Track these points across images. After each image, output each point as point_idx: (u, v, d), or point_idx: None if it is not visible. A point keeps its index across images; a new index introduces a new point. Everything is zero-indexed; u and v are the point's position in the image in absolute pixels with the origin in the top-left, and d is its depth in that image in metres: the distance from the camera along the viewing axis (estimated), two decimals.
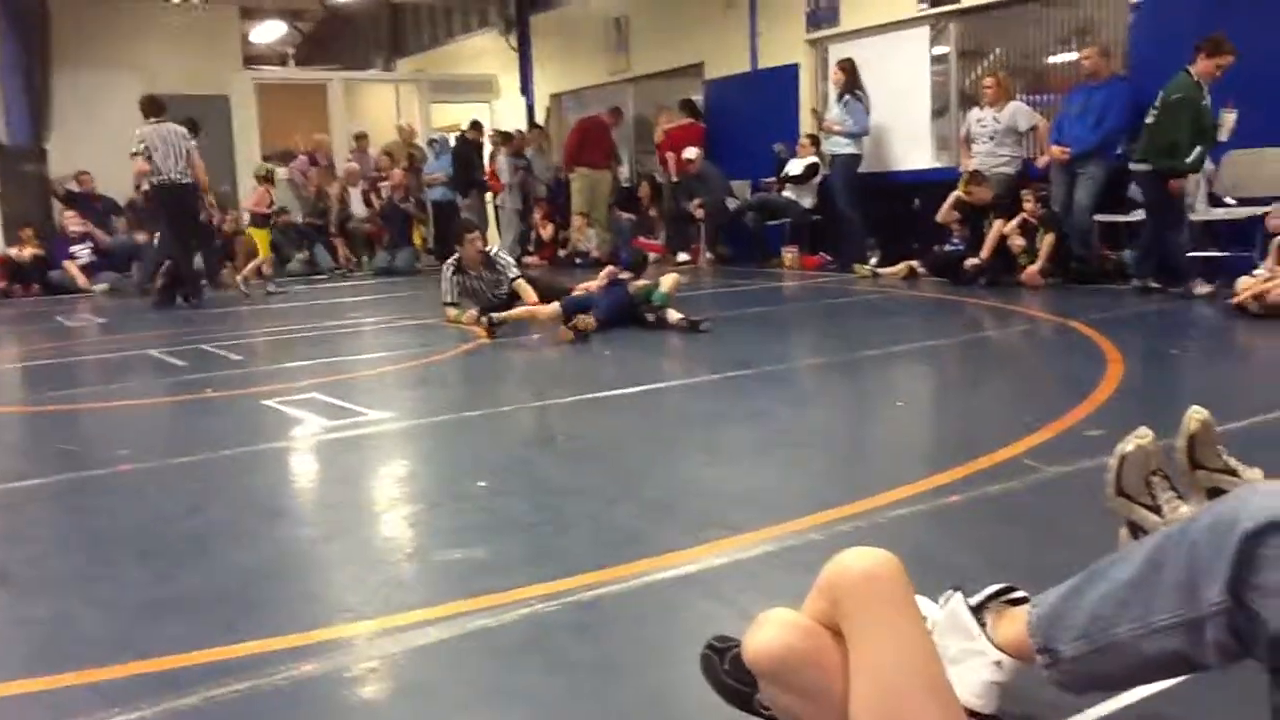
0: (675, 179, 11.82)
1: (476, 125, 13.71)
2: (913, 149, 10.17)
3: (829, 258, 10.35)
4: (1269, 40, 6.81)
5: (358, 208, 13.65)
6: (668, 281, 6.82)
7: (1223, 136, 6.89)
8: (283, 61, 21.18)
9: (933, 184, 9.33)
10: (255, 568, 2.74)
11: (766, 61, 11.55)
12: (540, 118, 15.48)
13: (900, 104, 10.07)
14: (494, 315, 6.81)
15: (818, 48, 11.09)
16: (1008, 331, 6.67)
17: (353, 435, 4.29)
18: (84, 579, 2.71)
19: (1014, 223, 8.07)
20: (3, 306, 10.99)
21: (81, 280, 11.94)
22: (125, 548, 2.94)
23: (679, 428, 4.30)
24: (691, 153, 11.37)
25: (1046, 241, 7.87)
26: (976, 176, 8.51)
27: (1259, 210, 6.91)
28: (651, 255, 10.27)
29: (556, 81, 15.47)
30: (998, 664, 1.60)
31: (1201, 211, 7.38)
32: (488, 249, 7.58)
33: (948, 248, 8.74)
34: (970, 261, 8.25)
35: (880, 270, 9.31)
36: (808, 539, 2.68)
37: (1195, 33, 6.94)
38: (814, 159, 10.42)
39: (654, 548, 2.67)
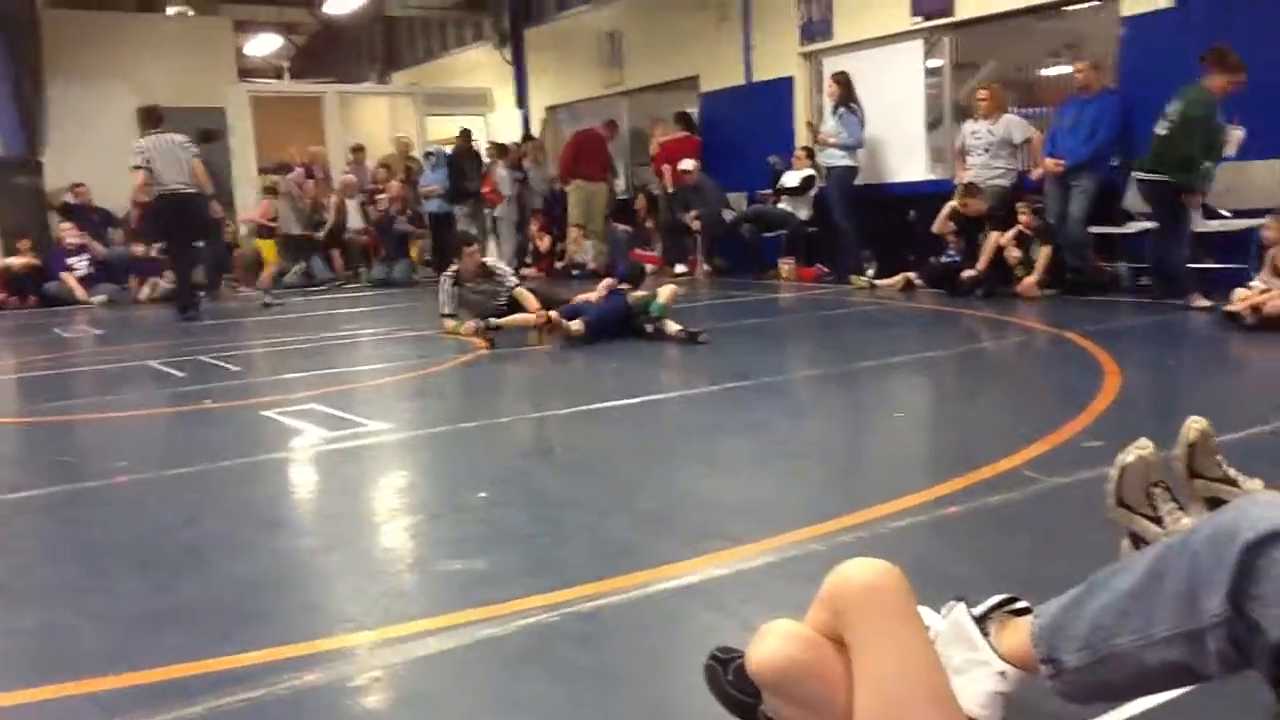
0: (670, 190, 11.85)
1: (465, 134, 13.73)
2: (907, 161, 10.21)
3: (825, 269, 10.37)
4: (1261, 53, 6.84)
5: (355, 220, 13.67)
6: (665, 292, 6.84)
7: (1230, 152, 6.93)
8: (278, 74, 21.24)
9: (928, 196, 9.36)
10: (254, 578, 2.74)
11: (761, 74, 11.59)
12: (535, 130, 15.52)
13: (895, 116, 10.10)
14: (490, 320, 6.85)
15: (812, 60, 11.13)
16: (1005, 343, 6.68)
17: (352, 446, 4.28)
18: (81, 590, 2.70)
19: (1010, 234, 8.10)
20: (0, 318, 10.98)
21: (79, 292, 11.93)
22: (123, 559, 2.94)
23: (677, 439, 4.30)
24: (688, 164, 11.40)
25: (1043, 253, 7.89)
26: (971, 188, 8.54)
27: (1254, 222, 6.94)
28: (648, 267, 10.28)
29: (551, 94, 15.51)
30: (1001, 674, 1.60)
31: (1197, 224, 7.41)
32: (485, 260, 7.60)
33: (944, 259, 8.76)
34: (966, 273, 8.28)
35: (877, 282, 9.33)
36: (808, 550, 2.69)
37: (1186, 46, 6.98)
38: (810, 171, 10.45)
39: (654, 558, 2.68)
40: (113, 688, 2.08)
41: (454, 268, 7.39)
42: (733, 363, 5.94)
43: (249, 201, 13.49)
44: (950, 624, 1.68)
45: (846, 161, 9.88)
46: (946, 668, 1.54)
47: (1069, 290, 7.87)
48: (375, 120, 17.17)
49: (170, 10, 17.58)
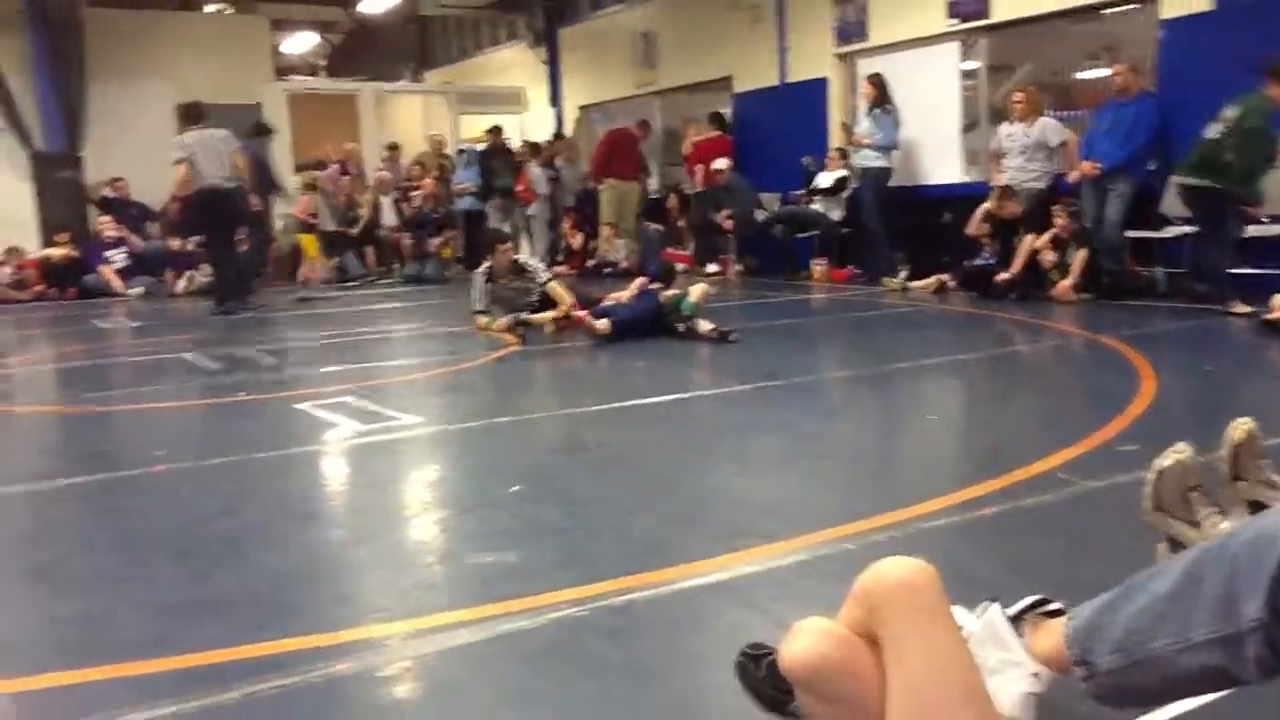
0: (701, 190, 11.85)
1: (496, 130, 13.77)
2: (942, 163, 10.15)
3: (858, 271, 10.33)
4: None
5: (389, 216, 13.76)
6: (696, 291, 6.83)
7: None
8: (313, 72, 21.41)
9: (962, 198, 9.30)
10: (288, 569, 2.76)
11: (795, 75, 11.56)
12: (569, 129, 15.55)
13: (930, 118, 10.05)
14: (522, 316, 6.88)
15: (846, 62, 11.08)
16: (1039, 346, 6.63)
17: (384, 440, 4.31)
18: (120, 578, 2.74)
19: (1045, 238, 8.04)
20: (40, 309, 11.13)
21: (116, 284, 12.08)
22: (160, 548, 2.98)
23: (709, 437, 4.30)
24: (721, 163, 11.40)
25: (1078, 257, 7.82)
26: (1007, 191, 8.48)
27: None
28: (680, 266, 10.28)
29: (585, 93, 15.54)
30: (1035, 675, 1.59)
31: (1241, 230, 7.31)
32: (518, 258, 7.63)
33: (978, 262, 8.71)
34: (1001, 276, 8.22)
35: (910, 284, 9.29)
36: (840, 549, 2.68)
37: (1225, 49, 6.89)
38: (843, 172, 10.42)
39: (684, 555, 2.68)
40: (152, 672, 2.12)
41: (487, 264, 7.42)
42: (764, 362, 5.93)
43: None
44: (984, 624, 1.68)
45: (881, 163, 9.84)
46: (980, 668, 1.53)
47: (1104, 294, 7.80)
48: (409, 118, 17.27)
49: (208, 8, 17.76)
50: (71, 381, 6.57)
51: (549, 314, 7.01)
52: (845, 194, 10.40)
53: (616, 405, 4.90)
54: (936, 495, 3.10)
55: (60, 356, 7.57)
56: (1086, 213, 8.12)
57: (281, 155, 14.20)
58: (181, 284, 12.20)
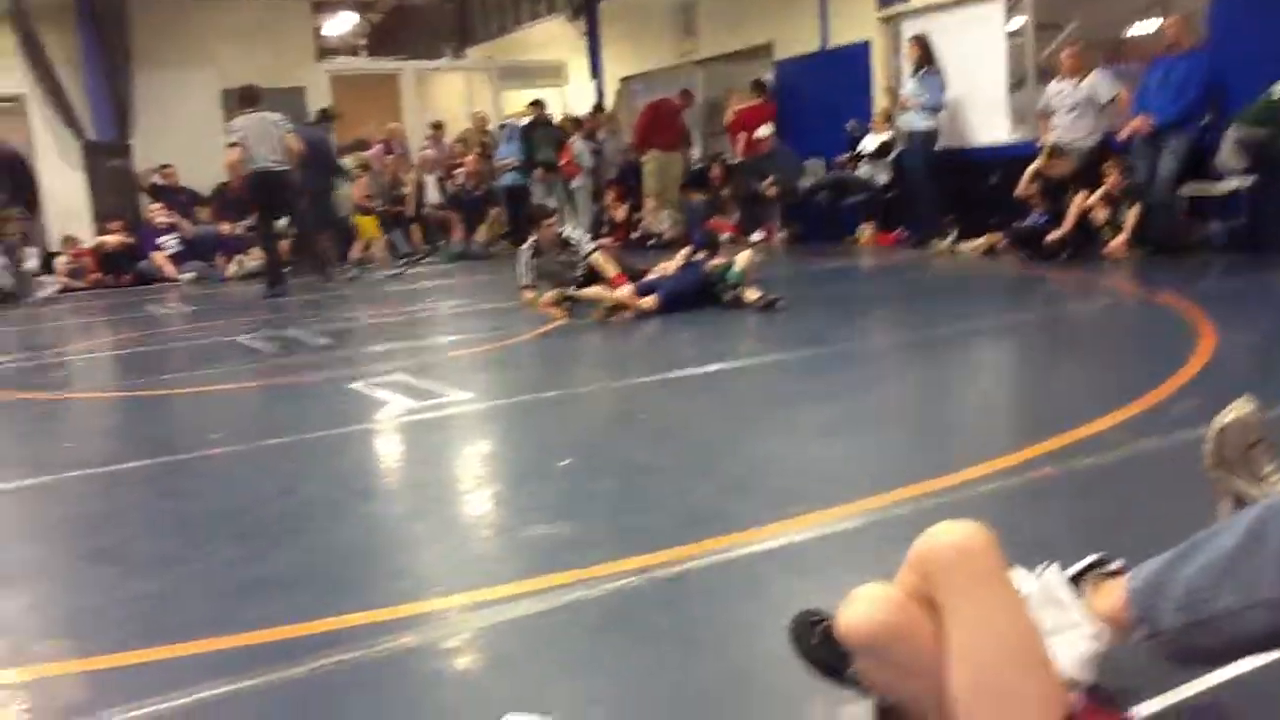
0: (741, 159, 11.76)
1: (537, 104, 13.76)
2: (989, 123, 9.98)
3: (905, 234, 10.22)
4: None
5: (433, 195, 13.83)
6: (743, 259, 6.80)
7: None
8: (354, 53, 21.47)
9: (1010, 158, 9.15)
10: (347, 546, 2.81)
11: (837, 40, 11.41)
12: (610, 101, 15.49)
13: (976, 78, 9.88)
14: (570, 293, 6.88)
15: (890, 24, 10.91)
16: (1093, 306, 6.53)
17: (436, 416, 4.36)
18: (183, 558, 2.80)
19: (1097, 195, 7.89)
20: (97, 296, 11.34)
21: (169, 270, 12.27)
22: (221, 528, 3.03)
23: (758, 405, 4.29)
24: (764, 131, 11.31)
25: (1131, 214, 7.68)
26: (1056, 150, 8.34)
27: None
28: (724, 235, 10.23)
29: (625, 65, 15.46)
30: (1096, 635, 1.58)
31: None
32: (562, 231, 7.62)
33: (1028, 222, 8.58)
34: (1052, 235, 8.09)
35: (958, 246, 9.17)
36: (893, 514, 2.67)
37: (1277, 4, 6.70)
38: (888, 135, 10.30)
39: (737, 523, 2.68)
40: (219, 649, 2.17)
41: (532, 240, 7.44)
42: (812, 329, 5.90)
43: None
44: (1042, 586, 1.66)
45: (928, 124, 9.71)
46: (1040, 629, 1.52)
47: (1158, 251, 7.65)
48: (451, 96, 17.29)
49: None
50: (130, 367, 6.70)
51: (597, 290, 6.96)
52: (890, 158, 10.28)
53: (665, 376, 4.90)
54: (991, 458, 3.07)
55: (118, 343, 7.71)
56: (1139, 169, 7.96)
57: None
58: (232, 268, 12.37)
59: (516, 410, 4.50)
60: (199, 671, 2.05)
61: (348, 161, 13.38)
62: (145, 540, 3.02)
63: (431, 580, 2.54)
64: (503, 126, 14.35)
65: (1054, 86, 8.68)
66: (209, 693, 1.96)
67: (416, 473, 3.73)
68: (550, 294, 7.11)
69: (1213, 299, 5.81)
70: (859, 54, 11.10)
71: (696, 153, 13.57)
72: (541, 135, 13.43)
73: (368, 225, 12.09)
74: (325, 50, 17.84)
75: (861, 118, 10.75)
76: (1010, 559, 1.55)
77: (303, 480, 3.53)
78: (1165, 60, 7.90)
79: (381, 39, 22.14)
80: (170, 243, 12.50)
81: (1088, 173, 8.16)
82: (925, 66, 9.67)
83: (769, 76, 12.25)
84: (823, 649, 1.70)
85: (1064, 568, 1.67)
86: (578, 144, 13.40)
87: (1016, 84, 9.91)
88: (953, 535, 1.50)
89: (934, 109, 9.70)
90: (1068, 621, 1.60)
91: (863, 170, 10.51)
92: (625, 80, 15.58)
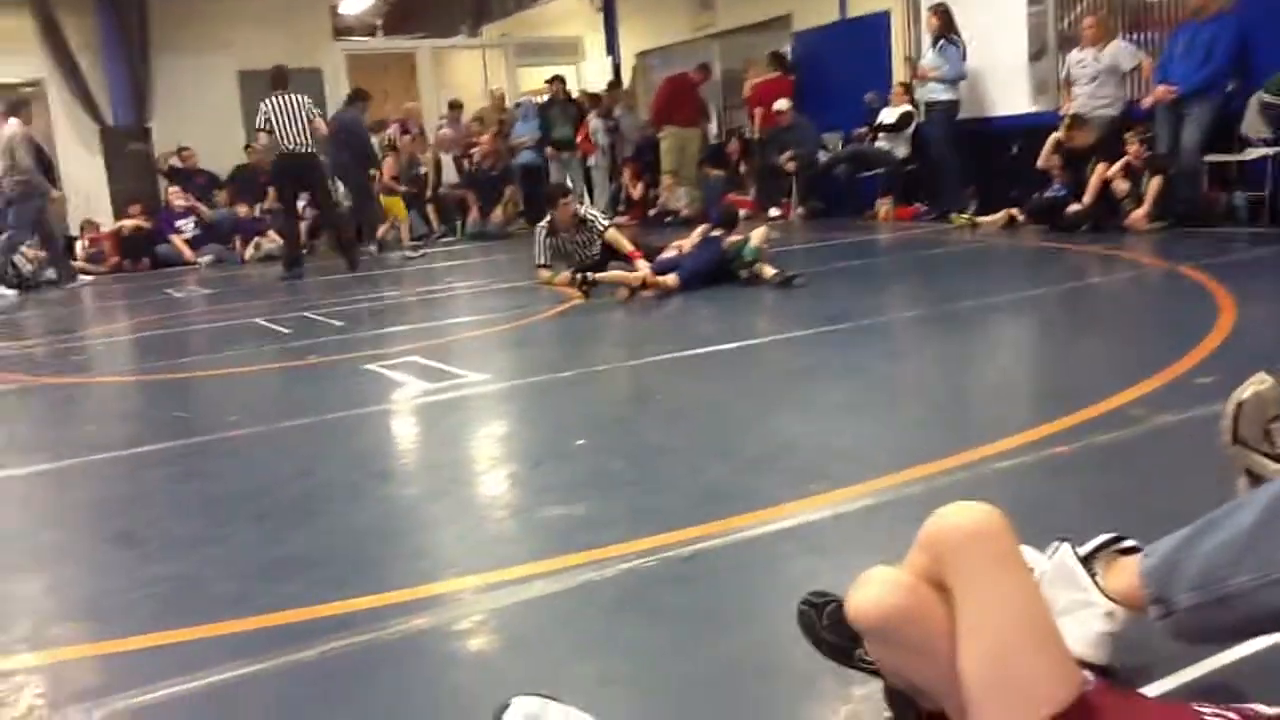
0: (759, 134, 11.68)
1: (556, 79, 13.70)
2: (1010, 93, 9.87)
3: (924, 208, 10.15)
4: None
5: (450, 174, 13.81)
6: (757, 235, 6.77)
7: None
8: (371, 32, 21.42)
9: (1031, 129, 9.05)
10: (365, 527, 2.82)
11: (856, 10, 11.30)
12: (626, 77, 15.41)
13: (996, 48, 9.76)
14: (587, 274, 6.86)
15: None
16: (1113, 278, 6.47)
17: (453, 397, 4.37)
18: (204, 540, 2.83)
19: (1118, 166, 7.81)
20: (116, 280, 11.41)
21: (187, 253, 12.32)
22: (240, 510, 3.06)
23: (775, 383, 4.28)
24: (782, 104, 11.22)
25: (1153, 185, 7.59)
26: (1077, 120, 8.25)
27: None
28: (742, 211, 10.19)
29: (642, 39, 15.36)
30: (1109, 614, 1.57)
31: None
32: (579, 211, 7.61)
33: (1049, 194, 8.49)
34: (1072, 207, 8.01)
35: (978, 219, 9.10)
36: (908, 492, 2.66)
37: None
38: (908, 107, 10.20)
39: (753, 502, 2.68)
40: (239, 631, 2.19)
41: (548, 219, 7.42)
42: (830, 305, 5.87)
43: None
44: (1055, 565, 1.65)
45: (949, 95, 9.61)
46: (1052, 609, 1.51)
47: (1181, 222, 7.56)
48: (468, 74, 17.24)
49: None
50: (150, 349, 6.74)
51: (615, 274, 6.93)
52: (910, 130, 10.20)
53: (682, 354, 4.90)
54: (1008, 434, 3.05)
55: (138, 326, 7.76)
56: (1161, 139, 7.87)
57: None
58: (249, 251, 12.41)
59: (533, 390, 4.50)
60: (219, 653, 2.07)
61: (374, 141, 13.37)
62: (166, 523, 3.05)
63: (448, 561, 2.55)
64: (519, 105, 14.31)
65: (1075, 55, 8.58)
66: (229, 674, 1.98)
67: (433, 454, 3.74)
68: (565, 274, 7.10)
69: (1234, 272, 5.75)
70: (879, 24, 11.00)
71: (714, 128, 13.49)
72: (559, 112, 13.40)
73: (395, 205, 12.11)
74: (341, 30, 17.79)
75: (881, 89, 10.66)
76: (1026, 537, 1.54)
77: (321, 462, 3.55)
78: (1190, 26, 7.79)
79: (398, 18, 22.07)
80: (188, 226, 12.55)
81: (1110, 143, 8.07)
82: (945, 36, 9.57)
83: (787, 49, 12.16)
84: (832, 631, 1.69)
85: (1077, 546, 1.66)
86: (593, 121, 13.35)
87: (1037, 54, 9.78)
88: (962, 518, 1.49)
89: (955, 80, 9.60)
90: (1080, 601, 1.59)
91: (881, 143, 10.43)
92: (641, 55, 15.49)
